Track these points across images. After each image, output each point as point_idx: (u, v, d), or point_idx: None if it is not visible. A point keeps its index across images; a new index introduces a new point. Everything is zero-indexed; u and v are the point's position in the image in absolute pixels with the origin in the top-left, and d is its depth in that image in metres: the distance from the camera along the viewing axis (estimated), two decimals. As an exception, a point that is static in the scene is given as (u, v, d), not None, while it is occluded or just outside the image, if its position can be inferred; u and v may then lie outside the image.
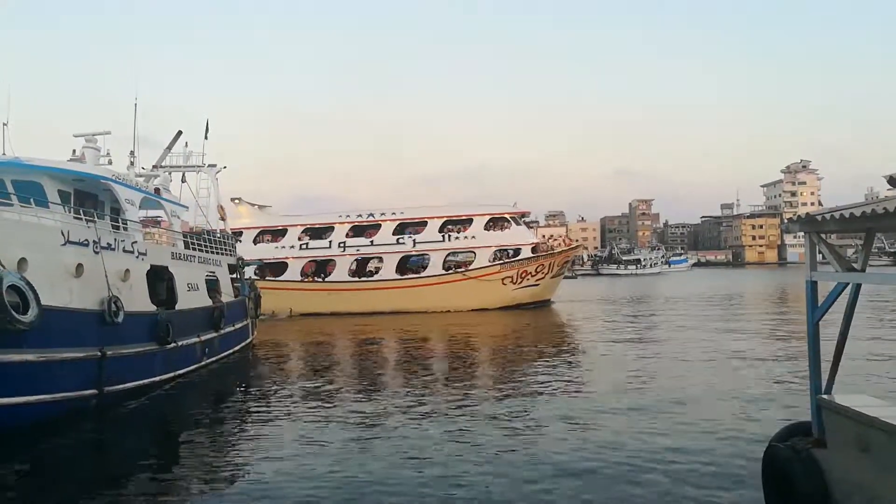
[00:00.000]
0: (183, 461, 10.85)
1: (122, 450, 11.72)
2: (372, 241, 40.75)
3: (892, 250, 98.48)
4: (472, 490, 8.68)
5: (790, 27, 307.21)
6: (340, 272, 40.41)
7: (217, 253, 23.14)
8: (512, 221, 41.21)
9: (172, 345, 16.70)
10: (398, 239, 40.68)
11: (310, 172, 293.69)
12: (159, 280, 17.90)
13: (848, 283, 7.16)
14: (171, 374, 16.87)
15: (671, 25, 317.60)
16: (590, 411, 12.86)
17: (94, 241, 14.52)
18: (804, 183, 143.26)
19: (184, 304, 18.53)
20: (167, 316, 16.80)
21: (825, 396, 7.30)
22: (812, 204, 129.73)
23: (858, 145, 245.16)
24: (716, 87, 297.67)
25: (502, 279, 39.63)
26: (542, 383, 16.08)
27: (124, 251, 15.94)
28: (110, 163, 18.69)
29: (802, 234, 7.81)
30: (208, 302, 20.59)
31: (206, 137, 25.29)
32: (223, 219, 26.09)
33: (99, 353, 13.70)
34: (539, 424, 12.03)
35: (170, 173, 23.53)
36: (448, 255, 40.66)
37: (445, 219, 41.25)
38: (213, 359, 20.06)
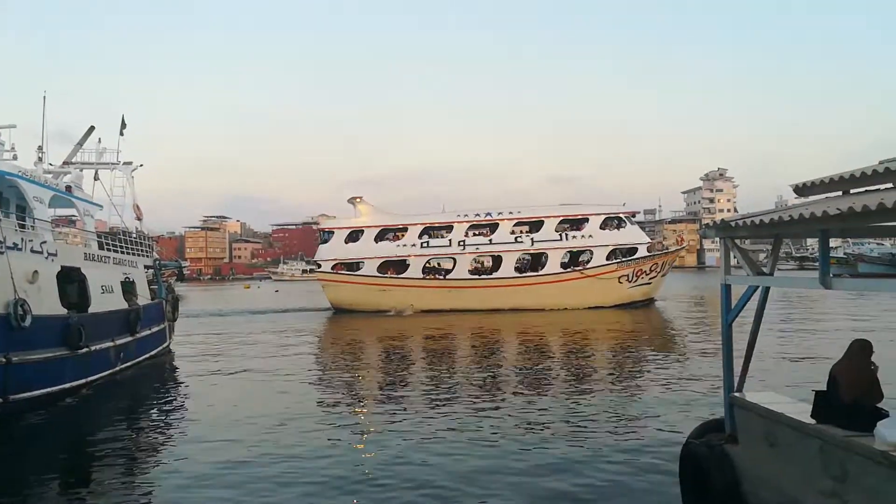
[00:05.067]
0: (94, 475, 10.22)
1: (26, 464, 10.93)
2: (491, 240, 40.97)
3: (798, 255, 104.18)
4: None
5: (710, 46, 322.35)
6: (460, 270, 40.83)
7: (134, 254, 22.17)
8: (626, 221, 41.57)
9: (84, 350, 15.86)
10: (516, 237, 40.96)
11: (250, 172, 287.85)
12: (70, 282, 16.97)
13: (758, 286, 7.49)
14: (84, 381, 16.01)
15: (601, 43, 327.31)
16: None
17: (-3, 241, 13.61)
18: (721, 190, 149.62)
19: (97, 307, 17.61)
20: (79, 319, 15.93)
21: (737, 394, 7.60)
22: (728, 210, 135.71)
23: (773, 156, 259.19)
24: (643, 101, 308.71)
25: (618, 277, 39.99)
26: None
27: (32, 251, 15.02)
28: (15, 158, 17.59)
29: (718, 239, 8.13)
30: (124, 304, 19.67)
31: (121, 133, 24.11)
32: (139, 218, 24.95)
33: (3, 360, 12.90)
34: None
35: (81, 170, 22.31)
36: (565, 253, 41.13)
37: (562, 218, 41.53)
38: (129, 364, 19.19)
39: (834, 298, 37.20)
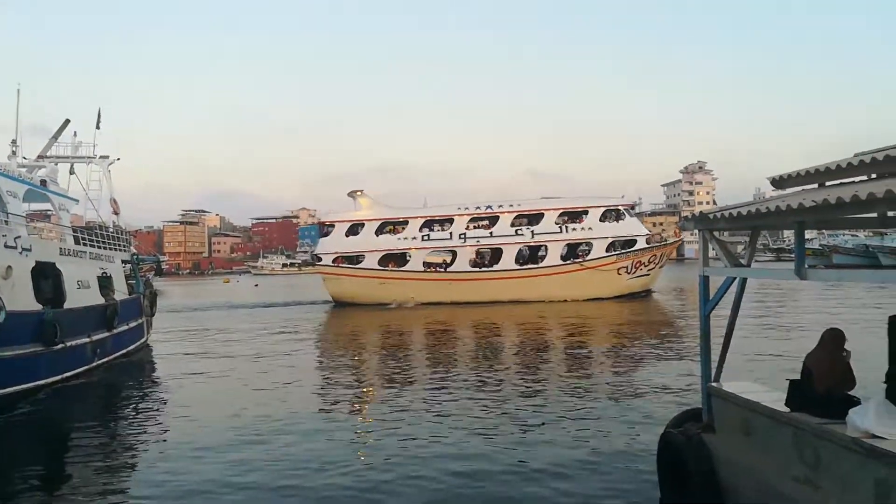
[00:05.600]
0: (69, 473, 10.04)
1: (-1, 461, 10.80)
2: (491, 233, 41.12)
3: (776, 247, 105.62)
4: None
5: (690, 46, 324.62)
6: (461, 262, 41.08)
7: (110, 248, 21.88)
8: (625, 213, 41.97)
9: (60, 345, 15.63)
10: (517, 230, 41.13)
11: (230, 165, 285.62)
12: (45, 277, 16.70)
13: (736, 278, 7.58)
14: (59, 377, 15.79)
15: (584, 39, 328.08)
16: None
17: (-32, 236, 13.36)
18: (700, 183, 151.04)
19: (73, 303, 17.36)
20: (54, 315, 15.70)
21: (714, 384, 7.68)
22: (707, 203, 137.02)
23: (751, 149, 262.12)
24: (627, 96, 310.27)
25: (618, 269, 40.31)
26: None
27: (6, 247, 14.76)
28: (-13, 151, 17.25)
29: (697, 231, 8.20)
30: (100, 300, 19.41)
31: (97, 127, 23.77)
32: (116, 213, 24.62)
33: (-25, 357, 12.65)
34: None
35: (56, 164, 21.95)
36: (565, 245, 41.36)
37: (562, 210, 41.83)
38: (106, 360, 18.96)
39: (810, 289, 37.78)
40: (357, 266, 41.45)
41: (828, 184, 7.15)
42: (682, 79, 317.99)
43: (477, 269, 41.23)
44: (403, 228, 41.94)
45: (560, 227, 41.16)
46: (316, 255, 43.80)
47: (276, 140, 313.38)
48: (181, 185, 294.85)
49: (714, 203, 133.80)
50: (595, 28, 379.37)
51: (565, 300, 38.37)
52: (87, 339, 17.54)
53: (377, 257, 41.25)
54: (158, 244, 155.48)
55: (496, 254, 41.54)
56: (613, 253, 40.62)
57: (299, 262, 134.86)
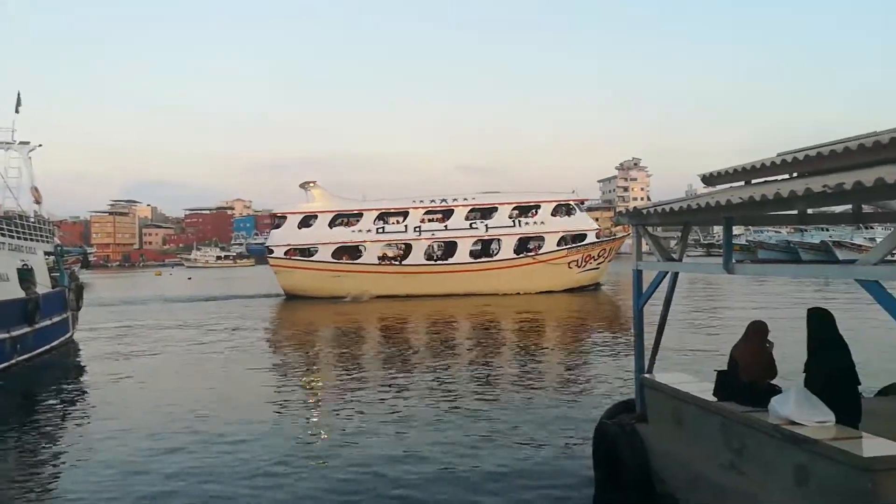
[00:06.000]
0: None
1: None
2: (446, 226, 41.34)
3: (706, 242, 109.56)
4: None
5: (627, 45, 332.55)
6: (416, 255, 41.08)
7: (32, 239, 20.81)
8: (576, 208, 42.71)
9: (-25, 342, 14.79)
10: (471, 224, 41.41)
11: (162, 155, 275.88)
12: (-41, 269, 15.77)
13: (668, 272, 7.81)
14: (-25, 376, 14.96)
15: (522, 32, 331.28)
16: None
17: None
18: (635, 179, 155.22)
19: (-10, 297, 16.45)
20: (-31, 310, 14.83)
21: (647, 375, 7.91)
22: (641, 199, 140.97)
23: (684, 146, 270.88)
24: (564, 93, 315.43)
25: (568, 263, 40.97)
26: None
27: (-88, 236, 13.84)
28: None
29: (631, 226, 8.40)
30: (21, 293, 18.45)
31: (17, 111, 22.47)
32: (38, 202, 23.39)
33: None
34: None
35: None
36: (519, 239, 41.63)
37: (515, 204, 42.13)
38: (27, 356, 18.05)
39: (739, 282, 39.42)
40: (310, 259, 41.03)
41: (754, 181, 7.45)
42: (618, 77, 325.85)
43: (432, 263, 41.50)
44: (357, 221, 41.77)
45: (513, 221, 41.80)
46: (267, 247, 43.22)
47: (209, 129, 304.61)
48: (110, 174, 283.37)
49: (648, 199, 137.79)
50: (531, 25, 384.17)
51: (518, 293, 39.06)
52: (5, 335, 16.67)
53: (331, 250, 40.99)
54: (86, 235, 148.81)
55: (449, 247, 41.85)
56: (565, 247, 41.49)
57: (234, 254, 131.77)
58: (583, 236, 41.95)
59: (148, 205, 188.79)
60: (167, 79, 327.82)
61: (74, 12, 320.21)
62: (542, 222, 41.63)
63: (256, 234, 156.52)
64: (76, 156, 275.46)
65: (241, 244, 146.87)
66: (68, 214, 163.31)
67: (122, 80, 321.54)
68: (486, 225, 41.63)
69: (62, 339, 21.59)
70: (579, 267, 41.49)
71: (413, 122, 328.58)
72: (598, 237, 42.91)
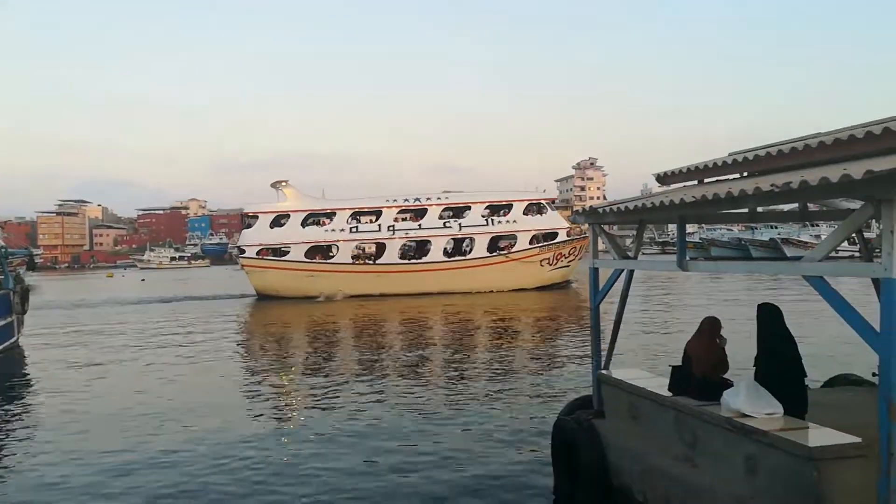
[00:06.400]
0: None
1: None
2: (420, 225, 41.38)
3: (661, 240, 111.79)
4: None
5: (585, 48, 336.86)
6: (390, 255, 41.04)
7: (-26, 241, 20.04)
8: (547, 207, 43.28)
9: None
10: (444, 223, 41.55)
11: (114, 153, 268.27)
12: None
13: (624, 270, 7.94)
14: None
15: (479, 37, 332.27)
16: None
17: None
18: (592, 178, 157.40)
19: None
20: None
21: (604, 372, 8.04)
22: (598, 198, 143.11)
23: (640, 146, 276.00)
24: (524, 94, 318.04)
25: (540, 261, 41.43)
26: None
27: None
28: None
29: (587, 224, 8.52)
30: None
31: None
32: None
33: None
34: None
35: None
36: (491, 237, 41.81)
37: (488, 203, 42.52)
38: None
39: (695, 279, 40.41)
40: (283, 258, 40.78)
41: (706, 181, 7.63)
42: (577, 78, 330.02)
43: (405, 262, 41.56)
44: (330, 220, 41.69)
45: (486, 220, 42.24)
46: (239, 247, 42.89)
47: (163, 127, 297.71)
48: (59, 172, 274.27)
49: (604, 198, 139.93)
50: (489, 25, 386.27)
51: (491, 291, 39.55)
52: (-54, 341, 15.99)
53: (303, 249, 40.79)
54: (32, 237, 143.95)
55: (421, 246, 42.06)
56: (537, 245, 42.06)
57: (189, 255, 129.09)
58: (554, 235, 42.59)
59: (99, 205, 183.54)
60: (119, 73, 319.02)
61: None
62: (514, 221, 42.17)
63: (212, 235, 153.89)
64: (22, 153, 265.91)
65: (196, 245, 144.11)
66: (13, 215, 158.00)
67: (74, 73, 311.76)
68: (460, 224, 41.99)
69: (6, 344, 20.83)
70: (551, 265, 42.17)
71: (369, 122, 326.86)
72: (568, 235, 43.58)
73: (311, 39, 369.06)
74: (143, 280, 71.90)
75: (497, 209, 42.73)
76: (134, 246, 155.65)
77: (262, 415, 12.30)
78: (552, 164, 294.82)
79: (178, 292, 47.50)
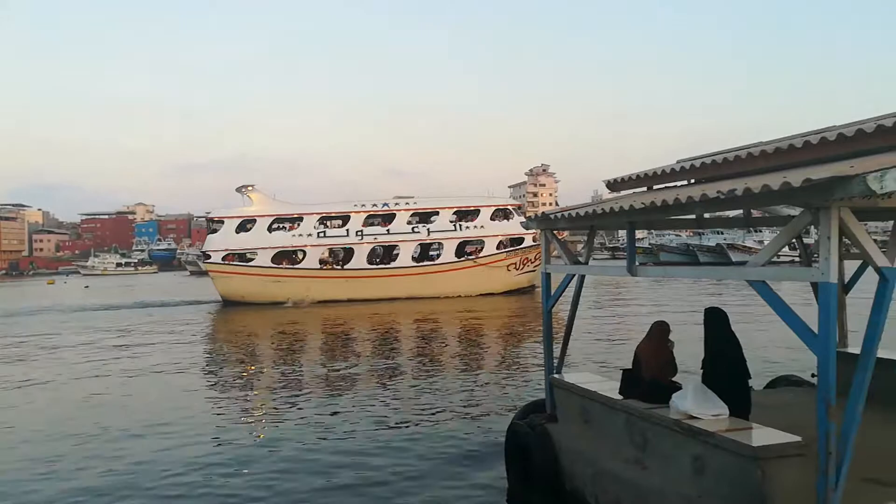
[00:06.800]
0: None
1: None
2: (388, 230, 41.31)
3: (611, 245, 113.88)
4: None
5: (540, 54, 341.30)
6: (358, 260, 40.98)
7: None
8: (514, 213, 43.73)
9: None
10: (413, 228, 41.73)
11: (56, 154, 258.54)
12: None
13: (575, 275, 8.04)
14: None
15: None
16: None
17: None
18: (544, 185, 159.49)
19: None
20: None
21: (556, 376, 8.11)
22: (550, 204, 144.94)
23: (590, 153, 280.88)
24: (478, 100, 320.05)
25: (507, 266, 41.86)
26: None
27: None
28: None
29: (539, 230, 8.61)
30: None
31: None
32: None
33: None
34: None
35: None
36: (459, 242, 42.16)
37: (455, 209, 42.83)
38: None
39: (644, 284, 41.23)
40: (249, 264, 40.21)
41: (655, 187, 7.81)
42: (531, 85, 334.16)
43: (374, 266, 41.51)
44: (298, 225, 41.30)
45: (454, 226, 42.56)
46: (204, 252, 42.16)
47: (110, 126, 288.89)
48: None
49: (556, 204, 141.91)
50: (445, 28, 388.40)
51: (459, 295, 39.83)
52: None
53: (270, 254, 40.32)
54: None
55: (388, 251, 42.08)
56: (504, 250, 42.54)
57: (136, 261, 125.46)
58: (520, 240, 43.11)
59: (39, 209, 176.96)
60: (55, 67, 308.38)
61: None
62: (481, 226, 42.72)
63: (160, 240, 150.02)
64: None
65: (143, 250, 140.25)
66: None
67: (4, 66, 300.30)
68: (428, 229, 42.28)
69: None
70: (517, 269, 42.71)
71: (321, 124, 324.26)
72: (534, 241, 43.97)
73: (239, 39, 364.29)
74: (86, 287, 69.48)
75: (465, 214, 43.21)
76: (77, 252, 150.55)
77: (204, 433, 11.41)
78: (505, 171, 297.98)
79: (126, 299, 46.11)
